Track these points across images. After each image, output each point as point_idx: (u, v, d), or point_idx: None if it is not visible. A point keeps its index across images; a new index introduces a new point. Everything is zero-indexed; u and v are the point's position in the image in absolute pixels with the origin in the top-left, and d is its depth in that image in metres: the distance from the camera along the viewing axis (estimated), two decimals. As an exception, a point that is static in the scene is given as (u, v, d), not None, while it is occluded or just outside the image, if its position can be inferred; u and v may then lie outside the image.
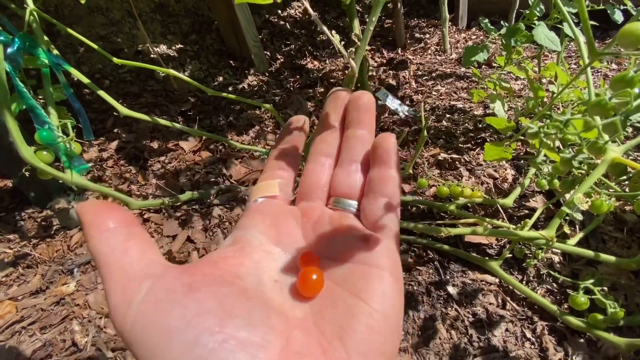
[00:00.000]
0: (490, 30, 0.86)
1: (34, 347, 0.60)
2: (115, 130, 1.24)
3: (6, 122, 0.65)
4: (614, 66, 1.45)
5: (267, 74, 1.73)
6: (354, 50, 0.60)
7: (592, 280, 0.55)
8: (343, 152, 0.30)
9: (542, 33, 0.77)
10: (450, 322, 0.58)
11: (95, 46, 0.80)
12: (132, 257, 0.19)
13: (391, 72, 1.68)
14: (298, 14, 2.21)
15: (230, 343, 0.17)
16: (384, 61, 1.83)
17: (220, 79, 1.70)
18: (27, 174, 0.68)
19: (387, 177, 0.26)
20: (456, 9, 2.07)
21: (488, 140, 1.03)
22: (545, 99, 0.98)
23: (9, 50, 0.68)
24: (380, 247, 0.24)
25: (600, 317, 0.52)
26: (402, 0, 1.81)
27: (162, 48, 1.78)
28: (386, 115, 1.28)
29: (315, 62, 1.86)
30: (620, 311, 0.52)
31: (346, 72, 1.69)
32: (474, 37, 2.04)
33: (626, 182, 0.66)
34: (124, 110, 0.82)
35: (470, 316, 0.59)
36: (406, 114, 1.27)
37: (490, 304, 0.60)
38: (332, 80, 1.59)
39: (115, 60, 0.81)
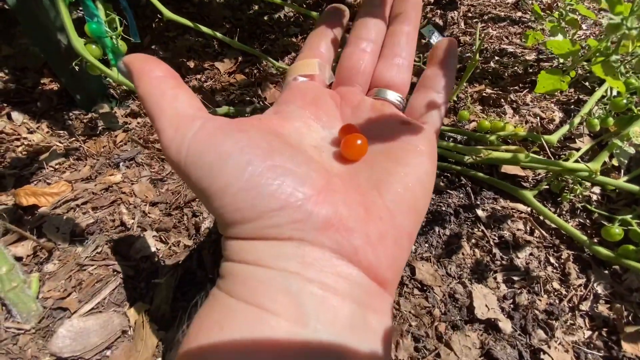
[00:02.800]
0: (566, -49, 0.77)
1: (87, 222, 0.67)
2: (153, 46, 1.25)
3: (59, 11, 0.66)
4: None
5: (304, 6, 1.64)
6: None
7: (630, 215, 0.54)
8: (387, 46, 0.29)
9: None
10: (476, 241, 0.60)
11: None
12: (182, 102, 0.20)
13: (439, 11, 1.56)
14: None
15: (279, 169, 0.19)
16: (432, 0, 1.69)
17: (256, 7, 1.63)
18: (76, 67, 0.70)
19: (440, 75, 0.27)
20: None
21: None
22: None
23: None
24: (422, 134, 0.24)
25: (631, 247, 0.52)
26: None
27: (199, -32, 1.70)
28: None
29: (357, -3, 1.74)
30: (655, 244, 0.51)
31: None
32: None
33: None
34: (168, 13, 0.81)
35: (496, 238, 0.60)
36: (450, 53, 1.20)
37: (518, 229, 0.61)
38: (374, 15, 1.49)
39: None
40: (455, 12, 1.57)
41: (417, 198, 0.21)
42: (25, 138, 0.87)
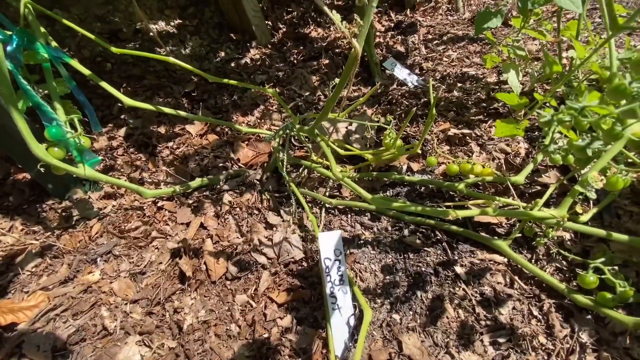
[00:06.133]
0: (505, -8, 0.79)
1: (68, 332, 0.65)
2: (122, 116, 1.25)
3: (15, 121, 0.66)
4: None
5: (269, 46, 1.67)
6: (356, 30, 0.57)
7: (602, 259, 0.55)
8: None
9: (563, -7, 0.71)
10: (458, 301, 0.60)
11: (92, 36, 0.79)
12: None
13: (399, 37, 1.59)
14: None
15: None
16: (392, 25, 1.73)
17: (222, 54, 1.65)
18: (42, 170, 0.70)
19: None
20: (470, -40, 1.90)
21: (501, 110, 0.99)
22: (566, 64, 0.92)
23: (9, 48, 0.68)
24: None
25: (608, 295, 0.53)
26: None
27: (161, 25, 1.72)
28: (394, 86, 1.23)
29: (319, 30, 1.77)
30: (629, 290, 0.52)
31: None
32: (489, -9, 1.89)
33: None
34: (128, 101, 0.82)
35: (478, 295, 0.60)
36: (415, 84, 1.22)
37: (498, 283, 0.61)
38: (337, 50, 1.52)
39: (114, 49, 0.80)
40: (415, 35, 1.60)
41: None
42: (-1, 241, 0.85)
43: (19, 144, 0.89)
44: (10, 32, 0.70)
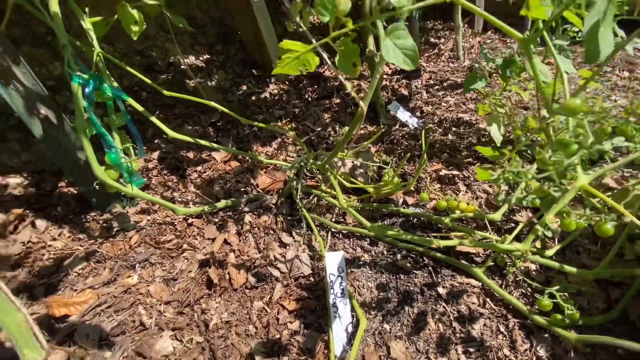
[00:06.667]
0: (489, 61, 0.96)
1: (111, 326, 0.78)
2: (156, 140, 1.42)
3: (84, 147, 0.83)
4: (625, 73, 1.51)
5: (287, 83, 1.86)
6: (362, 95, 0.73)
7: (557, 287, 0.67)
8: None
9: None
10: (439, 316, 0.72)
11: (149, 81, 0.97)
12: None
13: (404, 81, 1.78)
14: (316, 20, 2.32)
15: None
16: (398, 68, 1.92)
17: (244, 87, 1.84)
18: (97, 187, 0.85)
19: None
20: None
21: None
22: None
23: (87, 90, 0.85)
24: None
25: (559, 317, 0.65)
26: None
27: (191, 59, 1.93)
28: (397, 127, 1.40)
29: (332, 70, 1.96)
30: (575, 313, 0.64)
31: (362, 83, 1.79)
32: (489, 40, 2.09)
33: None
34: (172, 133, 0.98)
35: (455, 312, 0.72)
36: (415, 125, 1.38)
37: (472, 303, 0.73)
38: (347, 91, 1.70)
39: (166, 92, 0.97)
40: (418, 80, 1.79)
41: None
42: (50, 245, 1.00)
43: (75, 163, 1.05)
44: (86, 76, 0.87)
